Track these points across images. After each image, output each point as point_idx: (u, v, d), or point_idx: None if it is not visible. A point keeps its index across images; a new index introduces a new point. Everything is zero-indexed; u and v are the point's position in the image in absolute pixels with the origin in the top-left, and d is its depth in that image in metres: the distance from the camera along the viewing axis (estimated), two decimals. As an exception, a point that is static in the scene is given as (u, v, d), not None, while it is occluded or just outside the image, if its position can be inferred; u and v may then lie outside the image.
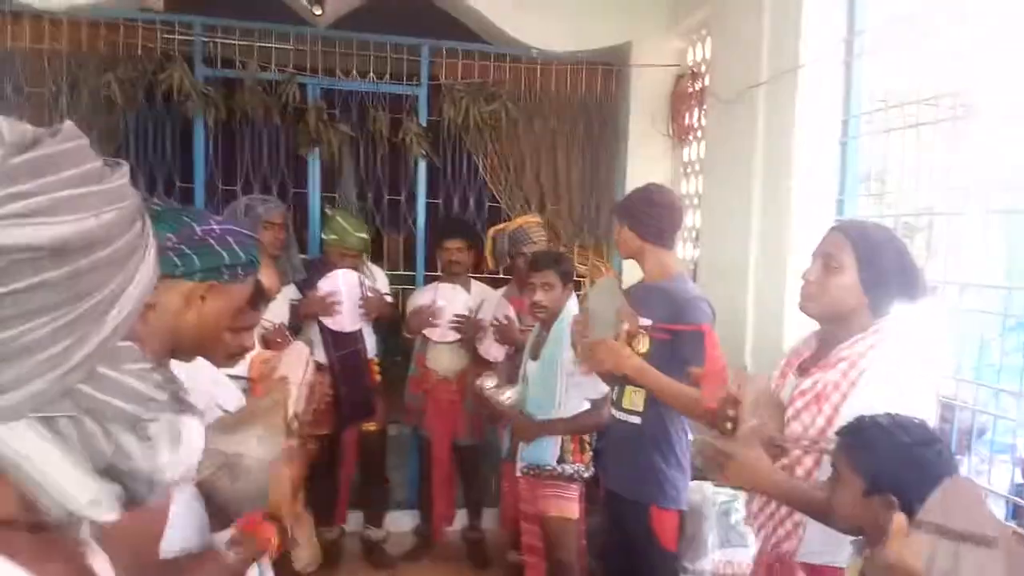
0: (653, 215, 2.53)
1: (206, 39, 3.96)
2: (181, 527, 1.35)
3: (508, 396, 3.01)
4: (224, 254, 1.32)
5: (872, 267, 1.73)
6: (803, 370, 1.84)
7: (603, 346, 2.34)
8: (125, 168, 0.61)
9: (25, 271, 0.52)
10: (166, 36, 3.90)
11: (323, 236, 3.78)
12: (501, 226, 3.87)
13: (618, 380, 2.54)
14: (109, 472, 0.59)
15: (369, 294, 3.70)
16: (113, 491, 0.60)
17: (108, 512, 0.59)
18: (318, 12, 3.95)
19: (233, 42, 4.02)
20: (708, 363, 2.28)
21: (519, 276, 3.62)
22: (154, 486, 0.64)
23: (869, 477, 1.40)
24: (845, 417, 1.66)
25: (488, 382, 3.09)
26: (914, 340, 1.75)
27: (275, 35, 4.06)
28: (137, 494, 0.62)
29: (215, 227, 1.32)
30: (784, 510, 1.80)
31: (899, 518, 1.13)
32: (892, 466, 1.37)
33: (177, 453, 0.71)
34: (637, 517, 2.48)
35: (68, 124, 0.58)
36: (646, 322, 2.43)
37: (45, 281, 0.53)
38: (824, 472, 1.69)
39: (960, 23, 2.34)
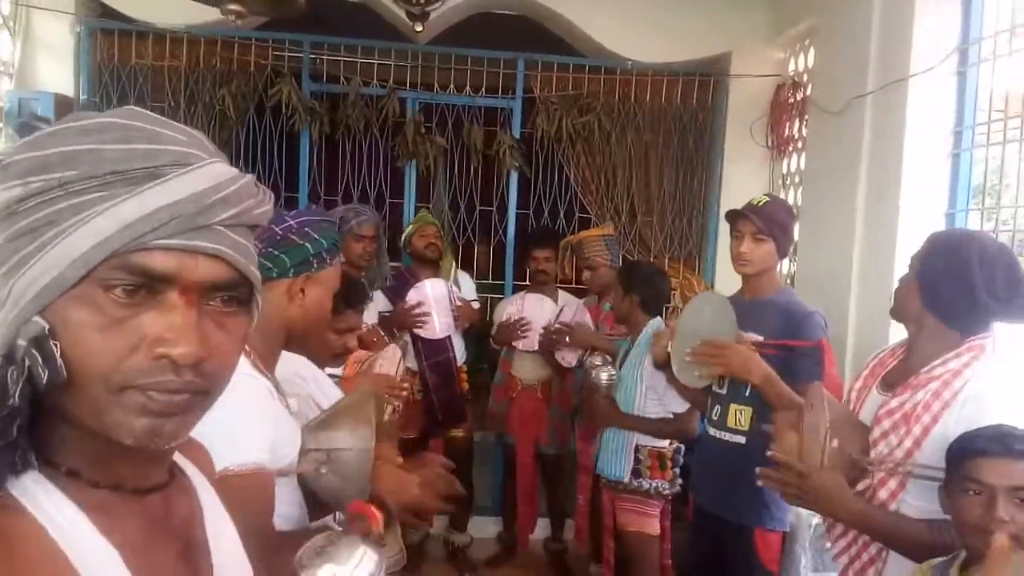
0: (790, 230, 2.48)
1: (313, 56, 4.15)
2: (280, 516, 1.41)
3: (606, 376, 2.99)
4: (308, 245, 1.40)
5: (927, 279, 1.70)
6: (888, 385, 1.77)
7: (732, 350, 2.28)
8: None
9: None
10: (276, 53, 4.11)
11: (405, 233, 3.87)
12: (568, 238, 3.88)
13: (720, 398, 2.49)
14: None
15: (458, 303, 3.76)
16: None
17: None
18: (419, 29, 4.06)
19: (338, 58, 4.19)
20: (826, 379, 2.22)
21: (590, 288, 3.69)
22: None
23: None
24: (935, 438, 1.60)
25: (596, 360, 3.06)
26: (1017, 362, 1.66)
27: (377, 51, 4.22)
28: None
29: (291, 222, 1.40)
30: (865, 536, 1.73)
31: (1002, 540, 1.07)
32: None
33: None
34: (740, 539, 2.41)
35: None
36: (756, 337, 2.35)
37: None
38: (914, 495, 1.62)
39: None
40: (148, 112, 0.64)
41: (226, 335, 0.64)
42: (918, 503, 1.62)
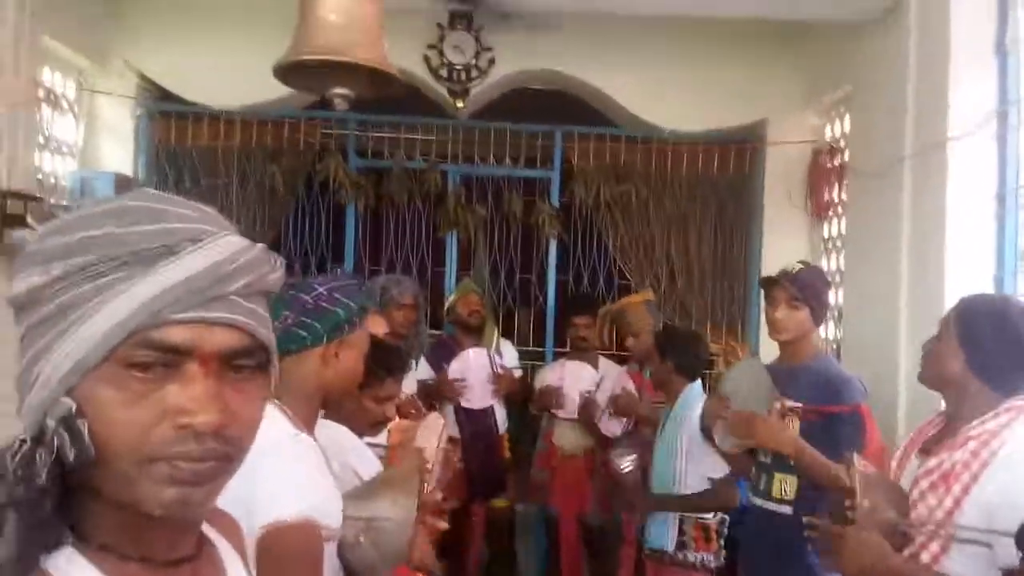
0: (825, 296, 2.49)
1: (359, 133, 4.32)
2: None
3: (627, 462, 2.97)
4: (339, 311, 1.45)
5: (972, 340, 1.68)
6: (926, 451, 1.75)
7: (759, 421, 2.27)
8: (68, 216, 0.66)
9: (19, 318, 0.64)
10: (324, 131, 4.28)
11: (449, 301, 3.93)
12: (609, 307, 3.89)
13: (765, 467, 2.44)
14: None
15: (500, 371, 3.77)
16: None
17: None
18: (460, 105, 4.22)
19: (383, 135, 4.35)
20: (870, 443, 2.21)
21: (632, 354, 3.65)
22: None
23: None
24: (975, 499, 1.57)
25: (617, 450, 3.06)
26: None
27: (420, 127, 4.37)
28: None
29: (321, 290, 1.45)
30: None
31: None
32: None
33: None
34: None
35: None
36: (795, 404, 2.34)
37: (23, 329, 0.63)
38: (956, 560, 1.57)
39: None
40: (159, 192, 0.68)
41: (246, 400, 0.65)
42: (962, 570, 1.57)
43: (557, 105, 4.50)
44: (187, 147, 4.21)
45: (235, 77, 3.93)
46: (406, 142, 4.36)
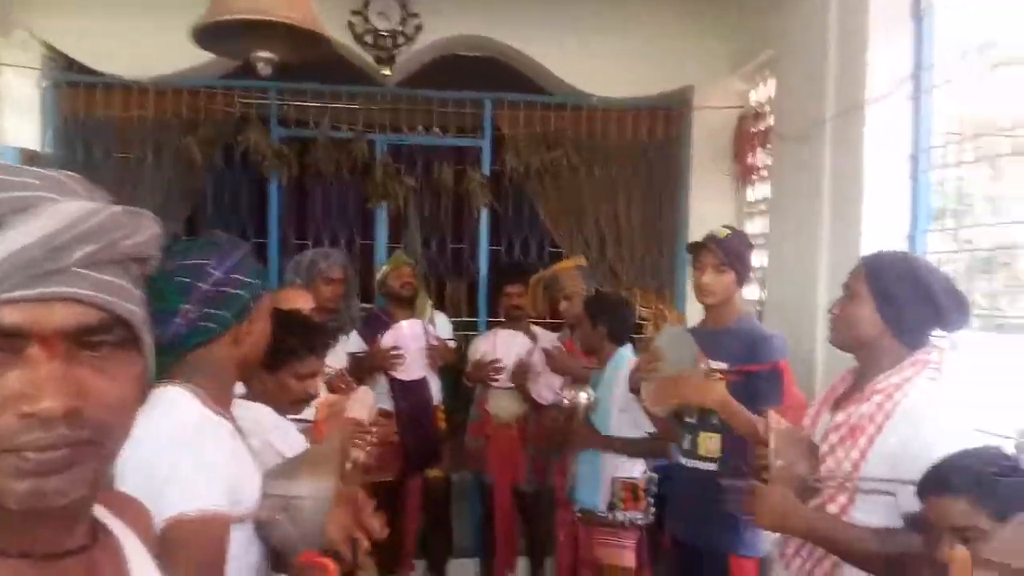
0: (749, 260, 2.54)
1: (281, 102, 4.17)
2: (238, 565, 1.38)
3: (584, 397, 2.98)
4: (243, 293, 1.37)
5: (887, 296, 1.72)
6: (837, 406, 1.80)
7: (688, 381, 2.30)
8: None
9: None
10: (243, 100, 4.12)
11: (380, 273, 3.87)
12: (540, 274, 3.89)
13: (690, 427, 2.49)
14: None
15: (434, 342, 3.74)
16: None
17: None
18: (386, 72, 4.12)
19: (306, 104, 4.22)
20: (787, 398, 2.27)
21: (567, 321, 3.63)
22: None
23: (1003, 516, 1.27)
24: (879, 450, 1.63)
25: (568, 390, 3.06)
26: (956, 370, 1.74)
27: (345, 96, 4.25)
28: None
29: (218, 274, 1.35)
30: (819, 551, 1.74)
31: (963, 554, 1.06)
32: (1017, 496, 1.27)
33: None
34: (714, 566, 2.41)
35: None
36: (721, 366, 2.38)
37: None
38: (862, 509, 1.64)
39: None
40: (7, 164, 0.62)
41: (107, 380, 0.60)
42: (867, 518, 1.63)
43: (486, 72, 4.44)
44: (97, 119, 4.00)
45: (147, 45, 3.75)
46: (331, 111, 4.23)
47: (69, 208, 0.60)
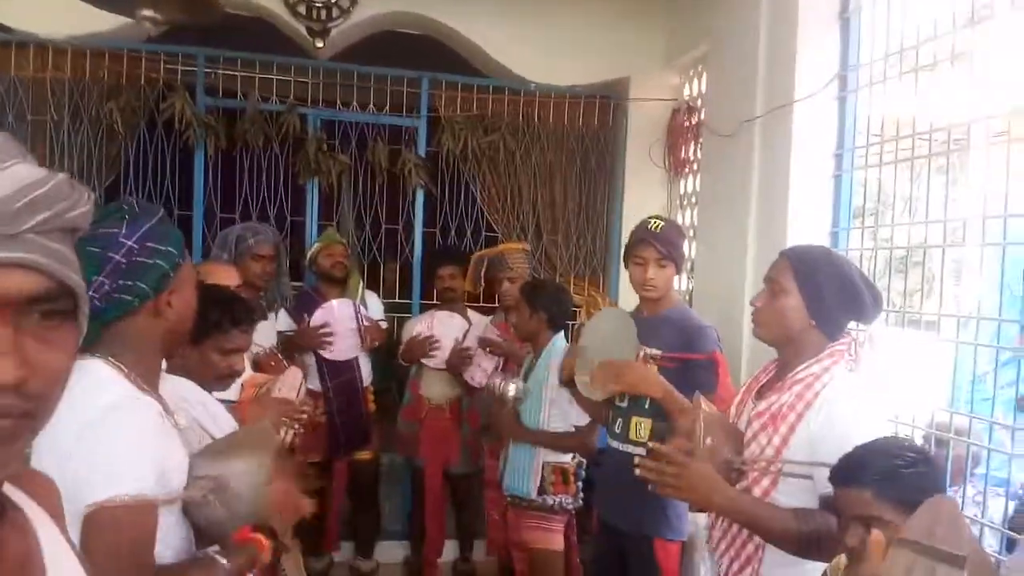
0: (683, 247, 2.58)
1: (208, 69, 4.02)
2: (167, 545, 1.34)
3: (513, 388, 2.99)
4: (160, 262, 1.31)
5: (812, 289, 1.78)
6: (760, 395, 1.87)
7: (630, 368, 2.33)
8: None
9: None
10: (169, 66, 3.95)
11: (311, 251, 3.79)
12: (484, 252, 3.90)
13: (621, 411, 2.53)
14: None
15: (365, 323, 3.70)
16: None
17: None
18: (319, 45, 4.00)
19: (235, 73, 4.07)
20: (721, 389, 2.34)
21: (502, 302, 3.64)
22: None
23: (906, 506, 1.33)
24: (800, 437, 1.71)
25: (496, 379, 3.07)
26: (871, 361, 1.81)
27: (276, 66, 4.12)
28: None
29: (131, 244, 1.29)
30: (744, 535, 1.81)
31: (877, 536, 1.12)
32: (921, 487, 1.33)
33: None
34: (641, 549, 2.47)
35: None
36: (656, 352, 2.42)
37: None
38: (784, 492, 1.71)
39: (953, 57, 2.38)
40: None
41: (51, 351, 0.59)
42: (788, 500, 1.71)
43: (424, 51, 4.37)
44: (10, 79, 3.76)
45: (64, 1, 3.53)
46: (261, 82, 4.09)
47: (20, 172, 0.57)
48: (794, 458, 1.71)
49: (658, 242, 2.49)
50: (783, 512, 1.67)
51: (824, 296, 1.77)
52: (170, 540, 1.34)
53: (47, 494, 0.76)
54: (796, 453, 1.71)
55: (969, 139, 2.42)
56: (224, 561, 1.31)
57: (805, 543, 1.62)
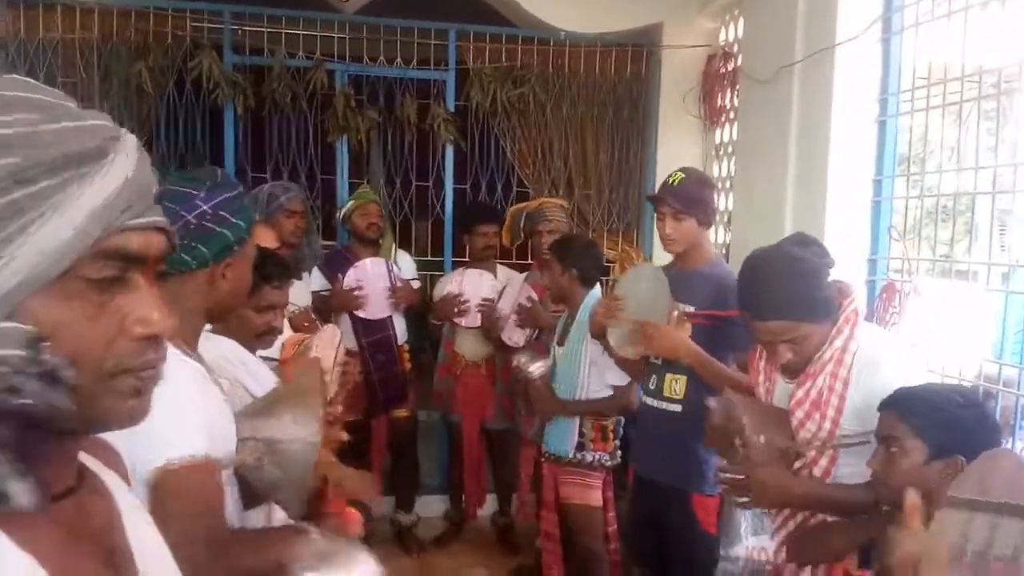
0: (713, 200, 2.53)
1: (235, 27, 3.98)
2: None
3: (537, 367, 3.00)
4: (227, 232, 1.31)
5: (811, 307, 1.73)
6: (787, 374, 1.84)
7: (662, 334, 2.32)
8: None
9: None
10: (195, 24, 3.92)
11: (345, 209, 3.78)
12: (522, 205, 3.87)
13: (656, 368, 2.52)
14: None
15: (398, 283, 3.70)
16: None
17: None
18: (344, -1, 3.96)
19: (261, 29, 4.03)
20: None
21: (538, 258, 3.60)
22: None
23: (934, 441, 1.39)
24: (849, 414, 1.70)
25: (523, 357, 3.07)
26: (916, 312, 1.94)
27: (302, 22, 4.06)
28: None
29: (205, 207, 1.30)
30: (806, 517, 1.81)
31: (912, 497, 1.09)
32: (957, 427, 1.40)
33: None
34: (678, 504, 2.48)
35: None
36: (688, 308, 2.40)
37: None
38: (845, 464, 1.71)
39: (1003, -3, 2.26)
40: (33, 81, 0.59)
41: (165, 305, 0.63)
42: (851, 470, 1.71)
43: (450, 2, 4.28)
44: (38, 40, 3.76)
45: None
46: (287, 38, 4.05)
47: (134, 139, 0.61)
48: (847, 432, 1.71)
49: (673, 196, 2.46)
50: (857, 489, 1.66)
51: (815, 304, 1.73)
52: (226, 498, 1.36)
53: (115, 460, 0.78)
54: (848, 427, 1.71)
55: (1020, 81, 2.32)
56: (313, 533, 1.28)
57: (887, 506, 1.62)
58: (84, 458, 0.69)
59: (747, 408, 1.80)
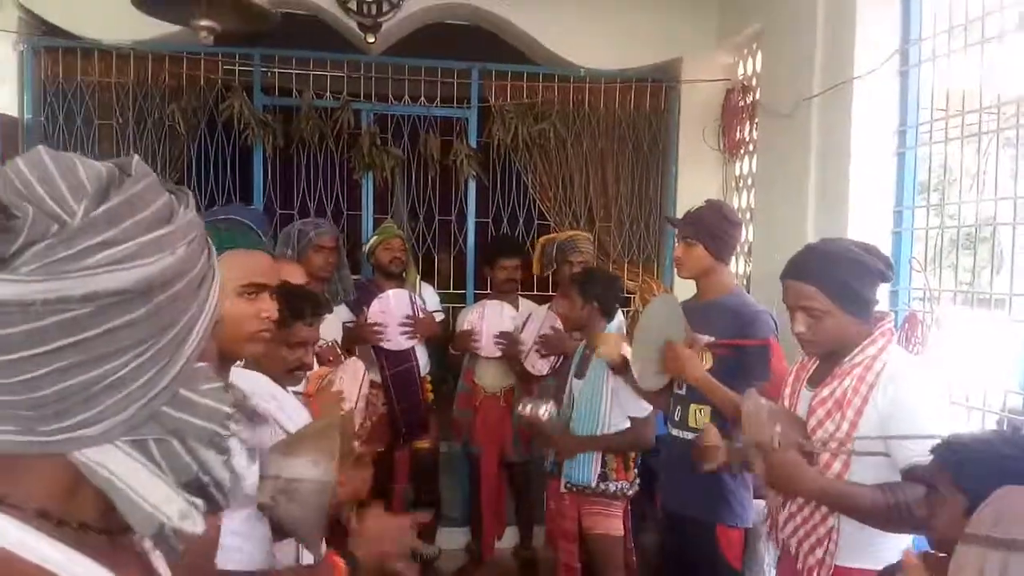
0: (728, 232, 2.55)
1: (264, 69, 4.11)
2: (244, 540, 1.39)
3: (544, 411, 3.00)
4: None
5: (843, 290, 1.77)
6: (815, 382, 1.87)
7: (672, 351, 2.36)
8: (190, 198, 0.65)
9: (114, 313, 0.56)
10: (227, 67, 4.05)
11: (369, 244, 3.85)
12: (552, 236, 3.95)
13: (680, 399, 2.53)
14: (192, 486, 0.62)
15: (420, 314, 3.75)
16: (197, 504, 0.63)
17: (196, 523, 0.62)
18: (371, 40, 4.06)
19: (290, 71, 4.16)
20: (775, 376, 2.31)
21: (564, 288, 3.62)
22: (235, 495, 0.67)
23: (975, 492, 1.34)
24: (868, 418, 1.71)
25: (528, 404, 3.06)
26: (939, 342, 1.91)
27: (330, 63, 4.19)
28: (218, 504, 0.65)
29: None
30: (817, 516, 1.82)
31: (910, 556, 1.09)
32: (1001, 478, 1.33)
33: (254, 462, 0.73)
34: (703, 536, 2.46)
35: (137, 161, 0.62)
36: (708, 339, 2.42)
37: (132, 320, 0.57)
38: (857, 474, 1.72)
39: (1021, 27, 2.28)
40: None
41: None
42: (861, 480, 1.71)
43: (473, 42, 4.39)
44: (76, 84, 3.92)
45: (126, 9, 3.63)
46: (315, 79, 4.17)
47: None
48: (863, 437, 1.72)
49: (685, 221, 2.53)
50: (869, 489, 1.68)
51: (852, 288, 1.77)
52: (249, 535, 1.39)
53: None
54: (866, 434, 1.72)
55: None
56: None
57: (896, 516, 1.63)
58: None
59: (767, 407, 1.82)
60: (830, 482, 1.72)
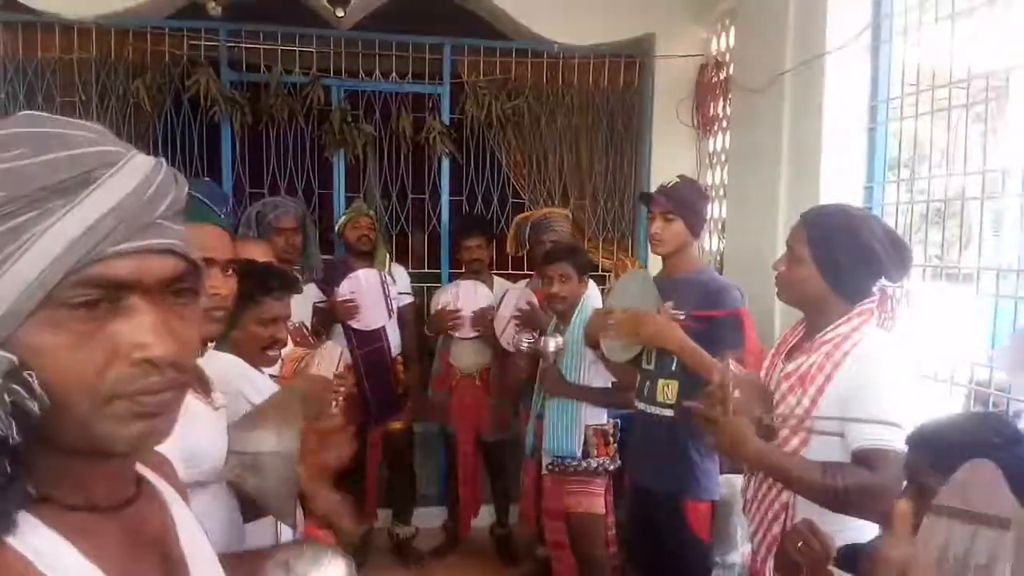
0: (704, 208, 2.58)
1: (231, 44, 4.02)
2: (213, 521, 1.37)
3: (555, 341, 3.00)
4: None
5: (827, 259, 1.77)
6: (789, 356, 1.87)
7: (648, 320, 2.34)
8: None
9: None
10: (192, 43, 3.96)
11: (339, 225, 3.82)
12: (527, 214, 3.93)
13: (648, 374, 2.54)
14: None
15: (392, 294, 3.73)
16: None
17: None
18: (340, 14, 3.97)
19: (258, 46, 4.07)
20: (748, 343, 2.34)
21: (539, 266, 3.62)
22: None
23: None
24: (829, 396, 1.71)
25: (546, 336, 3.07)
26: (907, 317, 1.83)
27: (298, 38, 4.11)
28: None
29: None
30: (773, 492, 1.83)
31: (902, 507, 1.09)
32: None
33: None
34: (671, 509, 2.48)
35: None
36: (679, 314, 2.42)
37: None
38: (814, 451, 1.72)
39: (990, 2, 2.28)
40: (46, 115, 0.61)
41: (187, 325, 0.63)
42: (818, 458, 1.70)
43: (446, 16, 4.32)
44: (37, 61, 3.80)
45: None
46: (284, 54, 4.09)
47: (141, 162, 0.62)
48: (822, 416, 1.72)
49: (665, 195, 2.51)
50: (811, 464, 1.68)
51: (838, 264, 1.76)
52: (213, 516, 1.37)
53: (168, 471, 0.80)
54: (826, 413, 1.72)
55: (1008, 86, 2.34)
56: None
57: (833, 496, 1.63)
58: (143, 470, 0.73)
59: (735, 374, 1.82)
60: (769, 452, 1.71)
